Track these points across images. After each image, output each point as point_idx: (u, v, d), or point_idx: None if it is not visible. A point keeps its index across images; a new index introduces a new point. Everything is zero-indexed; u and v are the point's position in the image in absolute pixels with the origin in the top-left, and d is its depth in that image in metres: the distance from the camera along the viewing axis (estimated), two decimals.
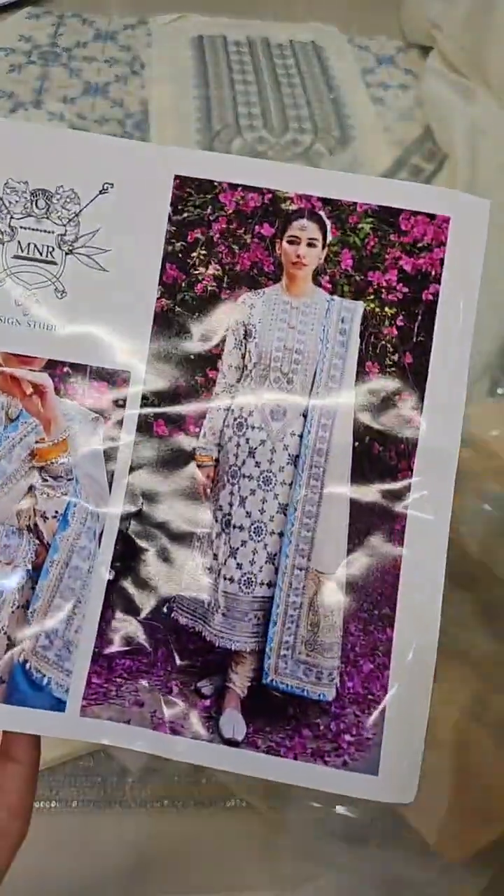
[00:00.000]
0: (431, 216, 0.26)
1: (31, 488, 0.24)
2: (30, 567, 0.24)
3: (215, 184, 0.26)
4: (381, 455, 0.25)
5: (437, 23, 0.86)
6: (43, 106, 0.79)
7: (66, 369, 0.25)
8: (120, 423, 0.25)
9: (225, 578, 0.24)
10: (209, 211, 0.26)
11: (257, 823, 0.45)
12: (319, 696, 0.24)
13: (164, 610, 0.24)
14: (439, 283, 0.26)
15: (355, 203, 0.26)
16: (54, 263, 0.26)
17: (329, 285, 0.26)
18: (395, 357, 0.25)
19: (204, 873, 0.44)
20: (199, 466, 0.25)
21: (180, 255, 0.26)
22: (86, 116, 0.81)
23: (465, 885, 0.44)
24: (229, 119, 0.84)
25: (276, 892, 0.43)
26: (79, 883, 0.43)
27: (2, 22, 0.92)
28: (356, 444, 0.25)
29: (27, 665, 0.23)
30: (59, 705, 0.24)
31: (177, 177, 0.26)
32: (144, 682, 0.24)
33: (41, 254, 0.26)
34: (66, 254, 0.26)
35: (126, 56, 0.90)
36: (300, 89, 0.89)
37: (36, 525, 0.24)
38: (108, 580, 0.24)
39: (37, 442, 0.24)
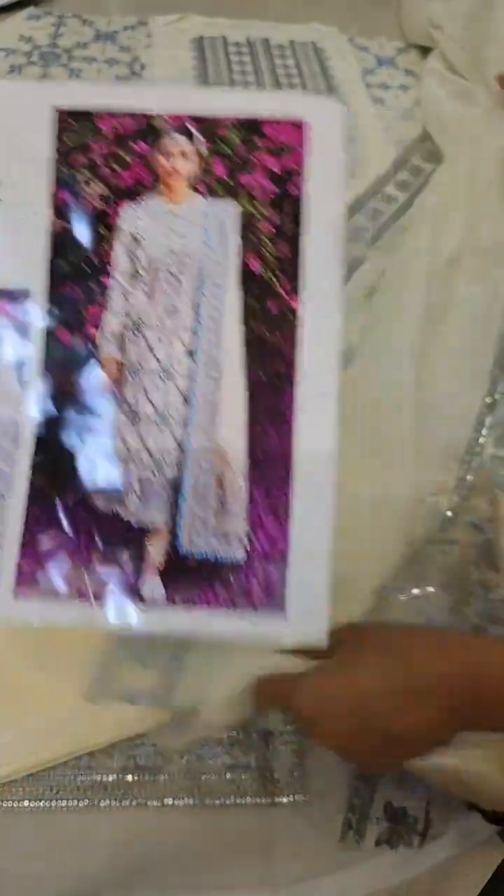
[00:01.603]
0: (294, 123, 0.28)
1: None
2: None
3: (93, 113, 0.28)
4: (269, 339, 0.28)
5: (437, 23, 0.86)
6: None
7: None
8: (27, 334, 0.27)
9: (137, 465, 0.27)
10: (90, 138, 0.28)
11: (254, 822, 0.45)
12: (231, 557, 0.27)
13: (84, 499, 0.27)
14: (304, 175, 0.28)
15: (227, 117, 0.28)
16: None
17: (205, 191, 0.29)
18: (273, 249, 0.28)
19: (201, 871, 0.44)
20: (103, 367, 0.28)
21: (68, 180, 0.28)
22: None
23: None
24: None
25: (272, 890, 0.43)
26: (76, 881, 0.43)
27: (2, 22, 0.93)
28: (246, 331, 0.28)
29: None
30: None
31: (58, 109, 0.28)
32: (69, 564, 0.27)
33: None
34: None
35: (126, 57, 0.90)
36: (300, 90, 0.89)
37: None
38: (30, 479, 0.26)
39: None
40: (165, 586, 0.28)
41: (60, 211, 0.29)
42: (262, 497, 0.27)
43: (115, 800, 0.45)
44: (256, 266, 0.28)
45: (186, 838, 0.45)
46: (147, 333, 0.28)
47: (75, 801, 0.45)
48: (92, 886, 0.43)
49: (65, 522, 0.27)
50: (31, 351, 0.27)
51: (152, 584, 0.27)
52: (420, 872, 0.43)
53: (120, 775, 0.46)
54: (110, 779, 0.46)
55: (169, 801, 0.45)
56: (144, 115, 0.29)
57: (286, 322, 0.28)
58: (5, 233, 0.28)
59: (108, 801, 0.45)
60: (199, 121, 0.29)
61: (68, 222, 0.28)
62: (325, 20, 0.99)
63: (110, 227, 0.29)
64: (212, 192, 0.29)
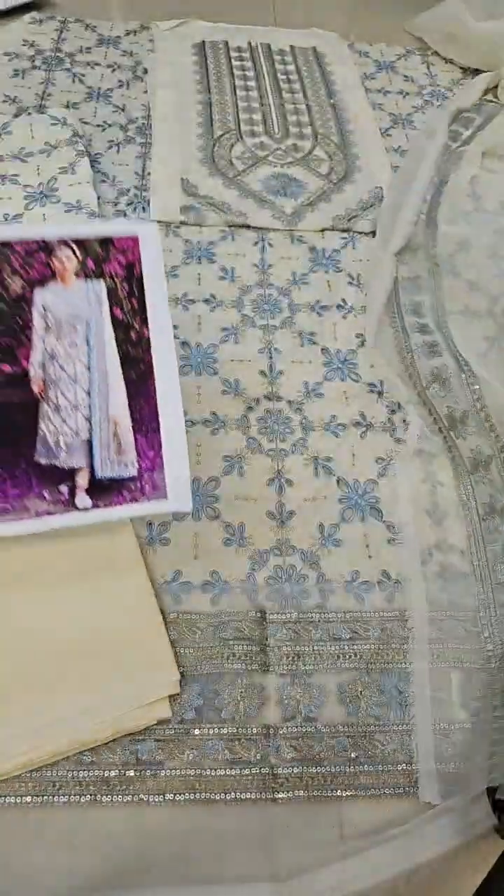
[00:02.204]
0: (132, 238, 0.48)
1: None
2: None
3: (11, 242, 0.46)
4: (132, 352, 0.46)
5: None
6: (46, 111, 0.80)
7: None
8: None
9: (62, 434, 0.43)
10: (10, 253, 0.46)
11: (255, 816, 0.46)
12: (128, 475, 0.44)
13: (32, 458, 0.43)
14: (140, 265, 0.47)
15: (89, 237, 0.47)
16: None
17: (84, 277, 0.47)
18: (129, 304, 0.47)
19: (203, 866, 0.44)
20: (32, 383, 0.44)
21: (3, 294, 0.45)
22: (88, 121, 0.82)
23: None
24: (230, 124, 0.85)
25: (272, 883, 0.44)
26: (80, 876, 0.43)
27: (6, 27, 0.93)
28: (119, 350, 0.46)
29: None
30: None
31: None
32: (25, 497, 0.42)
33: None
34: None
35: (129, 61, 0.91)
36: (301, 95, 0.90)
37: None
38: None
39: None
40: (91, 498, 0.43)
41: None
42: (142, 438, 0.44)
43: (117, 795, 0.45)
44: (119, 314, 0.47)
45: (187, 833, 0.45)
46: (58, 359, 0.45)
47: (77, 797, 0.45)
48: (93, 881, 0.43)
49: (20, 475, 0.42)
50: None
51: (83, 498, 0.43)
52: (419, 864, 0.43)
53: (121, 770, 0.46)
54: (112, 774, 0.46)
55: (170, 796, 0.46)
56: (42, 239, 0.47)
57: (142, 343, 0.46)
58: None
59: (109, 797, 0.45)
60: (77, 244, 0.47)
61: (2, 303, 0.45)
62: (326, 26, 1.01)
63: (28, 302, 0.45)
64: (88, 277, 0.47)
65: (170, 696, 0.48)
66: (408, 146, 0.85)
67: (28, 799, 0.45)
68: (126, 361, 0.44)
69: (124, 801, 0.45)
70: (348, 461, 0.60)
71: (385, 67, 0.97)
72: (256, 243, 0.74)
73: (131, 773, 0.46)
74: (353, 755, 0.48)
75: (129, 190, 0.76)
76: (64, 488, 0.42)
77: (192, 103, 0.86)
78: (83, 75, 0.88)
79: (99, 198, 0.73)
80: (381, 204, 0.77)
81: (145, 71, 0.90)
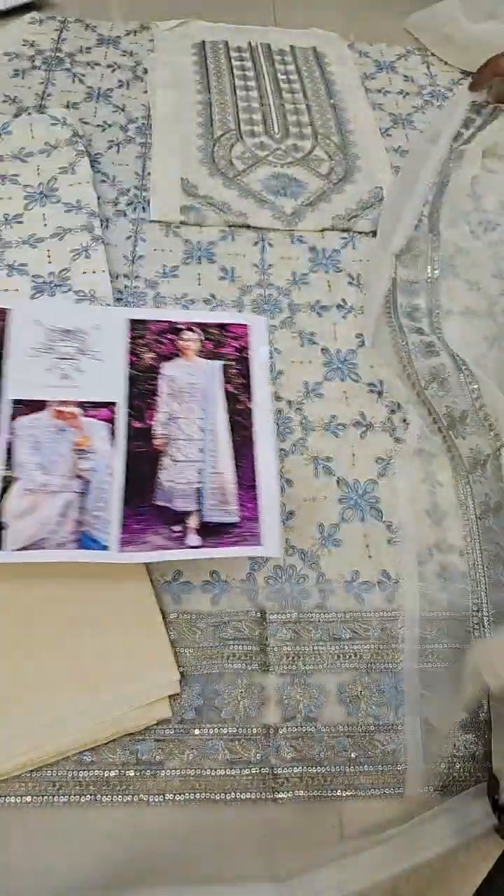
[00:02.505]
0: (241, 325, 0.58)
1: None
2: (78, 491, 0.49)
3: (147, 321, 0.57)
4: (238, 421, 0.54)
5: None
6: (46, 111, 0.80)
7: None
8: (115, 423, 0.52)
9: (178, 483, 0.50)
10: (144, 332, 0.56)
11: (255, 816, 0.46)
12: (230, 521, 0.50)
13: (152, 500, 0.50)
14: (249, 350, 0.57)
15: (210, 323, 0.57)
16: None
17: (203, 356, 0.56)
18: (239, 380, 0.56)
19: (203, 866, 0.44)
20: (155, 439, 0.52)
21: (135, 352, 0.55)
22: (88, 121, 0.82)
23: None
24: (230, 124, 0.85)
25: (272, 883, 0.44)
26: (80, 876, 0.43)
27: (5, 27, 0.93)
28: (228, 418, 0.54)
29: (87, 532, 0.48)
30: (105, 548, 0.47)
31: (129, 319, 0.56)
32: (146, 533, 0.48)
33: None
34: None
35: (129, 61, 0.91)
36: (301, 95, 0.90)
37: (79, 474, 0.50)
38: (123, 492, 0.49)
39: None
40: (200, 537, 0.49)
41: (131, 363, 0.54)
42: (243, 493, 0.51)
43: (117, 795, 0.45)
44: (230, 388, 0.55)
45: (187, 833, 0.45)
46: (179, 421, 0.53)
47: (77, 797, 0.45)
48: (93, 881, 0.43)
49: (147, 513, 0.49)
50: (120, 429, 0.52)
51: (193, 538, 0.49)
52: (419, 864, 0.43)
53: (121, 771, 0.46)
54: (111, 774, 0.46)
55: (170, 796, 0.46)
56: (171, 322, 0.57)
57: (246, 413, 0.54)
58: (103, 375, 0.53)
59: (109, 797, 0.45)
60: (200, 327, 0.56)
61: (135, 370, 0.54)
62: (326, 26, 1.01)
63: (157, 372, 0.54)
64: (207, 357, 0.56)
65: (170, 696, 0.48)
66: (409, 147, 0.85)
67: (28, 799, 0.45)
68: (233, 428, 0.51)
69: (124, 801, 0.45)
70: (348, 461, 0.60)
71: (385, 67, 0.96)
72: (256, 243, 0.74)
73: (131, 773, 0.46)
74: (352, 755, 0.48)
75: (129, 190, 0.76)
76: (178, 528, 0.48)
77: (192, 103, 0.86)
78: (83, 75, 0.88)
79: (99, 198, 0.73)
80: (382, 205, 0.77)
81: (145, 71, 0.90)
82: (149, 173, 0.78)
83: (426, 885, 0.44)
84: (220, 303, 0.68)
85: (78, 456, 0.48)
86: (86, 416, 0.50)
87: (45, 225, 0.70)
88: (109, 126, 0.82)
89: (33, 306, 0.55)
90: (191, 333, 0.54)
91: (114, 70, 0.89)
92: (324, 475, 0.59)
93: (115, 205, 0.75)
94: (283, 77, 0.93)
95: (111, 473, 0.48)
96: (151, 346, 0.53)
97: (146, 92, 0.87)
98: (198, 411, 0.51)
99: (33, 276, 0.66)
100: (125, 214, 0.74)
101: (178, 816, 0.46)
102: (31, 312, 0.53)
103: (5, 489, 0.46)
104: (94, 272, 0.67)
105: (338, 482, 0.59)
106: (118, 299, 0.67)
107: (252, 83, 0.91)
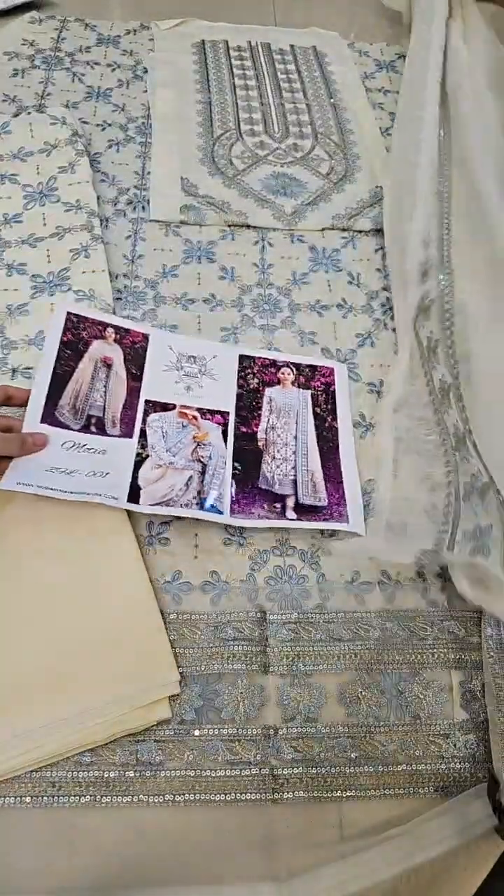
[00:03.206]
0: (329, 368, 0.66)
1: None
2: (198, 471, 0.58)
3: (253, 357, 0.66)
4: (326, 436, 0.62)
5: None
6: (46, 110, 0.80)
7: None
8: (226, 428, 0.61)
9: (277, 475, 0.59)
10: (252, 367, 0.66)
11: (255, 817, 0.46)
12: (321, 504, 0.58)
13: (256, 485, 0.58)
14: (335, 386, 0.65)
15: (303, 363, 0.66)
16: None
17: (297, 387, 0.65)
18: (325, 406, 0.64)
19: (203, 866, 0.44)
20: (259, 443, 0.61)
21: (241, 379, 0.65)
22: (88, 121, 0.82)
23: None
24: (230, 123, 0.85)
25: (273, 883, 0.44)
26: (79, 876, 0.43)
27: (5, 26, 0.93)
28: (316, 432, 0.63)
29: (206, 500, 0.56)
30: (220, 513, 0.55)
31: (240, 355, 0.66)
32: (251, 507, 0.57)
33: None
34: None
35: (128, 61, 0.91)
36: (301, 94, 0.90)
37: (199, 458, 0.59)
38: (232, 475, 0.59)
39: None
40: (297, 513, 0.57)
41: (240, 385, 0.64)
42: (331, 486, 0.59)
43: (117, 795, 0.45)
44: (318, 411, 0.64)
45: (187, 833, 0.45)
46: (276, 429, 0.62)
47: (76, 798, 0.45)
48: (93, 881, 0.43)
49: (252, 491, 0.58)
50: (230, 431, 0.61)
51: (291, 513, 0.57)
52: (419, 864, 0.43)
53: (121, 771, 0.46)
54: (111, 774, 0.46)
55: (170, 796, 0.46)
56: (273, 360, 0.66)
57: (329, 429, 0.63)
58: (218, 391, 0.63)
59: (109, 797, 0.45)
60: (294, 365, 0.66)
61: (243, 390, 0.64)
62: (326, 25, 1.00)
63: (261, 394, 0.64)
64: (300, 387, 0.65)
65: (170, 697, 0.48)
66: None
67: (28, 799, 0.45)
68: (320, 439, 0.61)
69: (124, 801, 0.45)
70: None
71: (385, 67, 0.96)
72: (256, 243, 0.74)
73: (131, 774, 0.46)
74: (353, 755, 0.48)
75: (128, 189, 0.76)
76: (278, 505, 0.57)
77: (192, 103, 0.86)
78: (83, 75, 0.88)
79: (99, 197, 0.73)
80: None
81: (145, 70, 0.89)
82: (148, 173, 0.78)
83: (426, 885, 0.44)
84: (219, 302, 0.68)
85: (197, 445, 0.59)
86: (204, 418, 0.61)
87: (45, 224, 0.70)
88: (109, 125, 0.82)
89: (167, 336, 0.65)
90: (287, 369, 0.65)
91: (113, 69, 0.89)
92: None
93: (115, 204, 0.74)
94: (284, 76, 0.92)
95: (224, 462, 0.59)
96: (257, 374, 0.64)
97: (146, 91, 0.87)
98: (292, 425, 0.62)
99: (32, 275, 0.66)
100: (125, 214, 0.74)
101: (178, 817, 0.46)
102: (165, 339, 0.65)
103: (141, 463, 0.57)
104: (93, 272, 0.67)
105: None
106: (118, 299, 0.67)
107: (252, 82, 0.91)
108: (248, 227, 0.75)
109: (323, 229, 0.76)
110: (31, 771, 0.45)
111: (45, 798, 0.45)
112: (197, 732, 0.48)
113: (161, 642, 0.49)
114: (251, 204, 0.76)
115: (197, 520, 0.55)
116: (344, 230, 0.76)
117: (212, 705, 0.48)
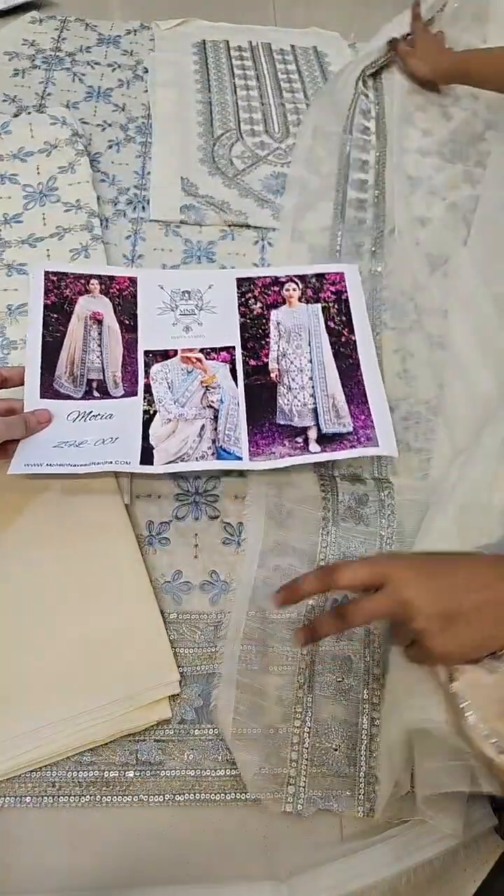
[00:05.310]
0: (338, 273, 0.64)
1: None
2: (210, 417, 0.57)
3: (253, 278, 0.64)
4: (342, 351, 0.61)
5: None
6: (46, 110, 0.80)
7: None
8: (234, 363, 0.59)
9: (294, 406, 0.58)
10: (250, 288, 0.64)
11: (255, 816, 0.46)
12: (346, 430, 0.56)
13: (273, 419, 0.57)
14: (347, 293, 0.63)
15: (308, 274, 0.64)
16: None
17: (305, 302, 0.63)
18: (339, 318, 0.62)
19: (203, 866, 0.44)
20: (270, 373, 0.59)
21: (243, 303, 0.63)
22: (88, 121, 0.82)
23: None
24: (231, 123, 0.85)
25: (273, 882, 0.43)
26: (80, 876, 0.43)
27: (6, 26, 0.93)
28: (333, 350, 0.61)
29: (222, 447, 0.55)
30: (238, 459, 0.55)
31: (237, 278, 0.64)
32: (271, 446, 0.55)
33: None
34: None
35: (129, 61, 0.91)
36: (301, 94, 0.90)
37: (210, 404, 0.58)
38: (246, 412, 0.57)
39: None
40: (320, 445, 0.56)
41: (242, 314, 0.62)
42: (354, 408, 0.58)
43: (117, 795, 0.45)
44: (332, 325, 0.62)
45: (187, 833, 0.45)
46: (288, 357, 0.60)
47: (77, 797, 0.45)
48: (93, 881, 0.43)
49: (268, 431, 0.56)
50: (238, 368, 0.59)
51: (314, 446, 0.56)
52: (419, 864, 0.43)
53: (121, 771, 0.46)
54: (111, 774, 0.46)
55: (170, 796, 0.46)
56: (274, 276, 0.64)
57: (350, 344, 0.61)
58: (220, 325, 0.61)
59: (109, 797, 0.45)
60: (299, 277, 0.63)
61: (246, 319, 0.61)
62: (326, 25, 1.00)
63: (266, 319, 0.61)
64: (308, 302, 0.62)
65: (170, 697, 0.48)
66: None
67: (28, 799, 0.45)
68: (338, 357, 0.58)
69: (124, 801, 0.45)
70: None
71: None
72: (256, 243, 0.74)
73: (131, 774, 0.46)
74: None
75: (128, 189, 0.76)
76: (300, 439, 0.55)
77: (193, 103, 0.86)
78: (83, 75, 0.88)
79: (99, 197, 0.73)
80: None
81: (145, 70, 0.90)
82: (149, 173, 0.78)
83: (426, 885, 0.44)
84: None
85: (206, 390, 0.57)
86: (209, 359, 0.58)
87: (45, 224, 0.70)
88: (109, 125, 0.82)
89: (155, 274, 0.62)
90: (292, 284, 0.61)
91: (114, 69, 0.89)
92: None
93: (115, 204, 0.74)
94: (284, 76, 0.92)
95: (237, 403, 0.56)
96: (259, 297, 0.60)
97: (146, 91, 0.87)
98: (305, 347, 0.59)
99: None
100: (125, 214, 0.74)
101: (177, 817, 0.46)
102: (154, 278, 0.62)
103: (150, 420, 0.55)
104: None
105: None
106: None
107: (252, 82, 0.91)
108: (248, 226, 0.75)
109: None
110: (31, 771, 0.45)
111: (45, 798, 0.45)
112: (197, 732, 0.48)
113: (161, 642, 0.49)
114: (251, 204, 0.76)
115: (196, 519, 0.55)
116: None
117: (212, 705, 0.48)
